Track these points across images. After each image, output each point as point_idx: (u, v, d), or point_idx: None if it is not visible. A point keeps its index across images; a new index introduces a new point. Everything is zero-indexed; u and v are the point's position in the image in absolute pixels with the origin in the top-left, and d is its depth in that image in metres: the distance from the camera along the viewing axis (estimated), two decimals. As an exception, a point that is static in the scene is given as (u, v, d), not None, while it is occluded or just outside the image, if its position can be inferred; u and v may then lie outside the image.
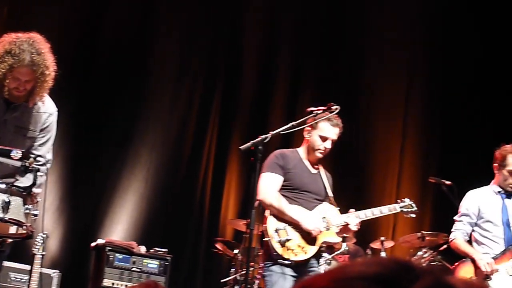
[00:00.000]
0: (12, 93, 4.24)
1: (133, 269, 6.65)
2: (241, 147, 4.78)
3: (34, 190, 3.97)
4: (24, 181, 4.01)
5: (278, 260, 4.93)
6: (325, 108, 5.09)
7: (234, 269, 7.05)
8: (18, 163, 3.95)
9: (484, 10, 8.83)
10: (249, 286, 4.84)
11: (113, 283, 6.52)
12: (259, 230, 5.22)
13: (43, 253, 4.79)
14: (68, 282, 6.90)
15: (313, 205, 5.16)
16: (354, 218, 5.19)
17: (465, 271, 5.47)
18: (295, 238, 5.01)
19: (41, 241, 4.74)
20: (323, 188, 5.26)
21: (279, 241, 4.95)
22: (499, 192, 5.66)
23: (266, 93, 9.20)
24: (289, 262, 4.94)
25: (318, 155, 5.21)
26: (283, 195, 5.10)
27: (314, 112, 5.11)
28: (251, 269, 5.25)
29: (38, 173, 4.00)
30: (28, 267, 5.14)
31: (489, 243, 5.56)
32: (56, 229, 7.88)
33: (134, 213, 8.34)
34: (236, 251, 7.12)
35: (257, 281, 5.68)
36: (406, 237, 7.27)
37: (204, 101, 8.95)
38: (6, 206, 3.80)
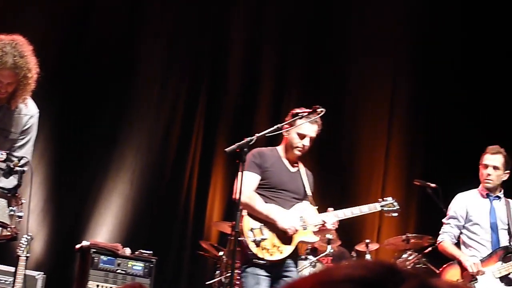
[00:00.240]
0: (-7, 95, 4.22)
1: (118, 271, 6.64)
2: (226, 149, 4.75)
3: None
4: (5, 182, 3.97)
5: (253, 260, 4.86)
6: (311, 110, 5.05)
7: (219, 271, 7.04)
8: (3, 165, 3.93)
9: (470, 10, 8.84)
10: (233, 288, 4.81)
11: (98, 285, 6.50)
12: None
13: (28, 255, 4.77)
14: (53, 284, 6.87)
15: (291, 204, 5.09)
16: (332, 217, 5.11)
17: (452, 274, 5.48)
18: (270, 237, 4.94)
19: (26, 243, 4.72)
20: (302, 187, 5.19)
21: (254, 241, 4.88)
22: (487, 195, 5.68)
23: (251, 93, 9.20)
24: (264, 262, 4.87)
25: (297, 153, 5.16)
26: (260, 194, 5.04)
27: (299, 114, 5.07)
28: (236, 271, 5.22)
29: (23, 175, 3.98)
30: (12, 269, 5.13)
31: (476, 245, 5.58)
32: (40, 231, 7.84)
33: (119, 215, 8.31)
34: (221, 253, 7.12)
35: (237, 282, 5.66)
36: (391, 240, 7.27)
37: (189, 103, 8.94)
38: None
